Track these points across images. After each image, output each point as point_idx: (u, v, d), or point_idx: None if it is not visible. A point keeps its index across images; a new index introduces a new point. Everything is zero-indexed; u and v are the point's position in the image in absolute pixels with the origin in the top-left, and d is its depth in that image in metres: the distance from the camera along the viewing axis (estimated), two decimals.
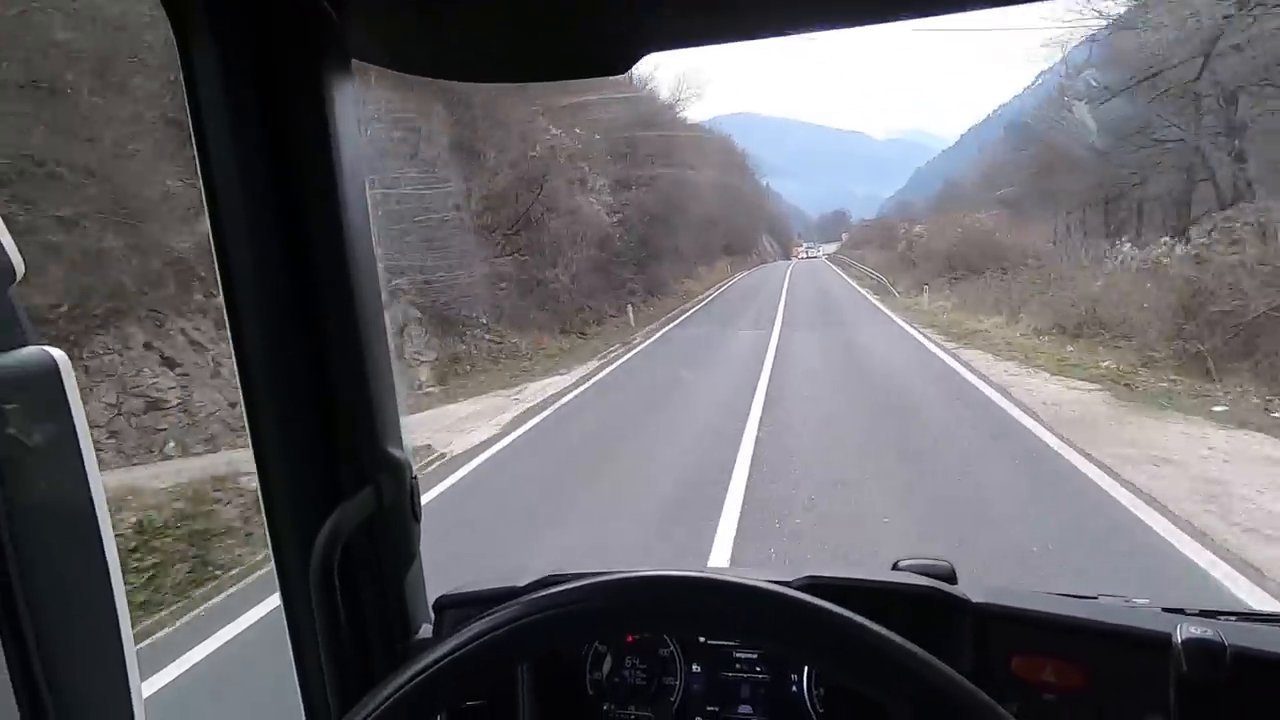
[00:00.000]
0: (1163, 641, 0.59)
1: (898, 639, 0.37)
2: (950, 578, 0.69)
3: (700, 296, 26.02)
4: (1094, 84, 14.94)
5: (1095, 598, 0.72)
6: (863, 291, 25.06)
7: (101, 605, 0.63)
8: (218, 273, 0.59)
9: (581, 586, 0.37)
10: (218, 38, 0.55)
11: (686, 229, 26.29)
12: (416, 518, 0.66)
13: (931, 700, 0.35)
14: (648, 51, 0.62)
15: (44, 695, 0.56)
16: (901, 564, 0.71)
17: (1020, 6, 0.55)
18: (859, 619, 0.37)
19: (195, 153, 0.58)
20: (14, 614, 0.55)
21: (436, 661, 0.35)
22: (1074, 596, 0.71)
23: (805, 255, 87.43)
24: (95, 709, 0.59)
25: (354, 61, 0.62)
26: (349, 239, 0.61)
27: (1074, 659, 0.63)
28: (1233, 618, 0.68)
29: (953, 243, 21.96)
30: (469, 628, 0.36)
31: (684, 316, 19.83)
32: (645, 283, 21.81)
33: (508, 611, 0.36)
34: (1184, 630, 0.59)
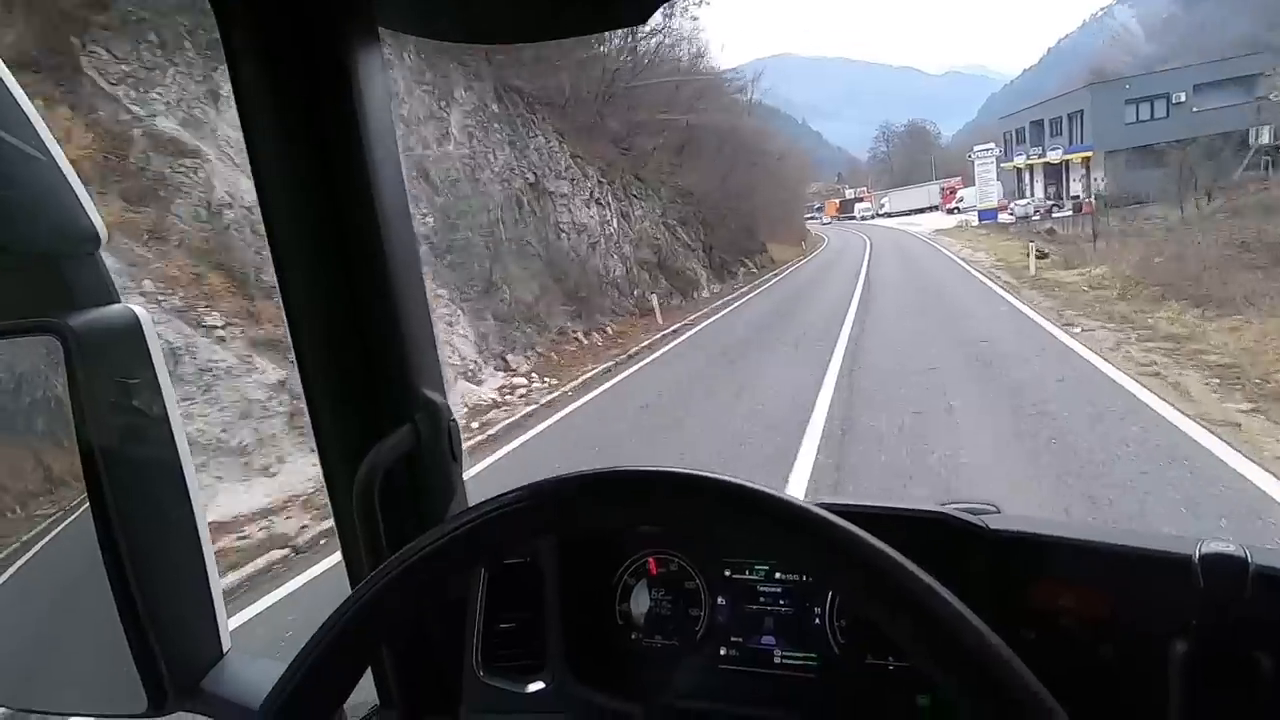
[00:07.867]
0: (1185, 561, 0.56)
1: (854, 529, 0.34)
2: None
3: None
4: None
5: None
6: None
7: (189, 542, 0.70)
8: (266, 231, 0.63)
9: (593, 474, 0.39)
10: (254, 10, 0.58)
11: None
12: (456, 458, 0.70)
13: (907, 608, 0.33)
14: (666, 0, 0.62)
15: (143, 618, 0.63)
16: (945, 504, 0.69)
17: None
18: (811, 506, 0.35)
19: (239, 118, 0.61)
20: (115, 552, 0.62)
21: (446, 534, 0.39)
22: (1098, 529, 0.68)
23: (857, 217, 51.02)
24: (187, 629, 0.67)
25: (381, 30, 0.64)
26: (383, 196, 0.63)
27: (1094, 584, 0.60)
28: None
29: None
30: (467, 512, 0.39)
31: None
32: None
33: (509, 497, 0.39)
34: (1205, 546, 0.56)
